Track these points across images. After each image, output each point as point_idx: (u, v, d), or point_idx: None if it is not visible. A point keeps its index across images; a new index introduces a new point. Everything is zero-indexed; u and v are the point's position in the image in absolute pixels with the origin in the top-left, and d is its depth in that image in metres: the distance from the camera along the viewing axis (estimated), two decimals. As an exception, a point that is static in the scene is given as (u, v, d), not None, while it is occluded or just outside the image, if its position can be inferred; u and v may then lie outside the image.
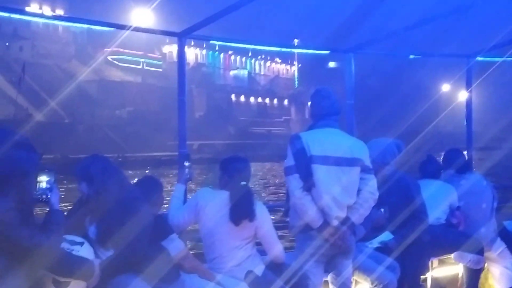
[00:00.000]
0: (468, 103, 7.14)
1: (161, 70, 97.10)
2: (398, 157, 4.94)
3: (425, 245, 4.85)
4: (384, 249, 4.78)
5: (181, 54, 4.92)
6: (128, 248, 3.34)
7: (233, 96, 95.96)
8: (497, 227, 5.78)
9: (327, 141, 4.02)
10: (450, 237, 5.30)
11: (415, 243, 4.72)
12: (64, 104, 58.02)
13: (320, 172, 3.94)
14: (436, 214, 5.31)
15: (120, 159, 44.32)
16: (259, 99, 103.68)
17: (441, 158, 6.01)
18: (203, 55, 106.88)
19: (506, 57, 7.05)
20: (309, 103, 4.33)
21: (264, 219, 4.08)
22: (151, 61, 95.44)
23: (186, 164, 4.51)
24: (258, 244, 4.25)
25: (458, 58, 7.10)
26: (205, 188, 4.22)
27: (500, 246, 5.70)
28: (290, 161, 4.01)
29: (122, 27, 4.94)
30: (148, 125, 63.96)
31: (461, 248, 5.34)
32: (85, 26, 6.31)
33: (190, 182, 4.62)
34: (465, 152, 6.53)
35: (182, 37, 4.86)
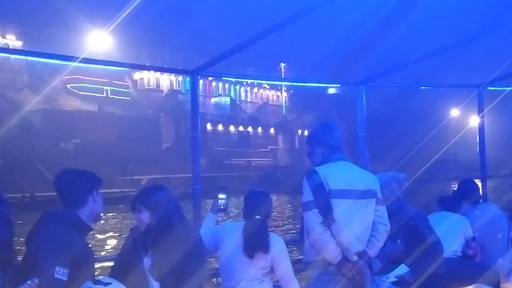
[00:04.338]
0: (481, 133, 7.70)
1: (128, 98, 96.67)
2: (400, 191, 5.38)
3: (442, 278, 5.36)
4: (400, 282, 5.28)
5: (194, 91, 5.67)
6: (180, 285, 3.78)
7: (208, 125, 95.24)
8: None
9: (343, 175, 4.45)
10: (467, 269, 5.83)
11: (432, 276, 5.23)
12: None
13: (339, 206, 4.33)
14: (453, 247, 5.90)
15: (26, 200, 42.39)
16: (240, 128, 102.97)
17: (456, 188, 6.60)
18: (179, 81, 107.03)
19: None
20: (312, 133, 4.76)
21: (280, 252, 4.71)
22: (116, 88, 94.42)
23: (223, 196, 5.15)
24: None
25: (468, 88, 7.72)
26: (228, 221, 4.94)
27: (517, 277, 6.20)
28: (308, 196, 4.38)
29: (136, 66, 5.51)
30: (95, 159, 61.88)
31: (478, 280, 5.84)
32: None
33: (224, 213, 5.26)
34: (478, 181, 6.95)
35: (195, 75, 5.57)
